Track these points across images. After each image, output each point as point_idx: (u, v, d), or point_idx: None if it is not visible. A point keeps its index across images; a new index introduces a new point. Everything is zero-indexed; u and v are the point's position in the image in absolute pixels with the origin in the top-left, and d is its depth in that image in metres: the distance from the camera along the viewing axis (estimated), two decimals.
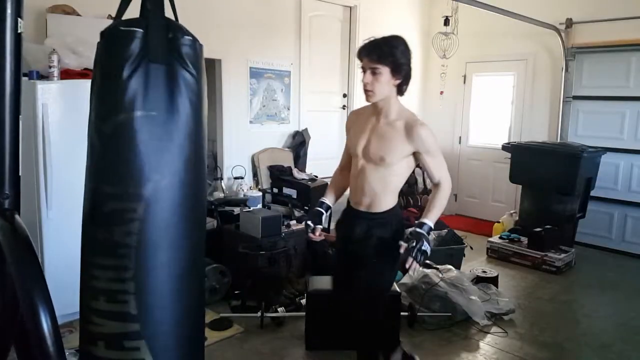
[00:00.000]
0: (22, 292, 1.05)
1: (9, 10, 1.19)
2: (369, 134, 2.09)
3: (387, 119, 2.05)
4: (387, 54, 1.92)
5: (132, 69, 1.27)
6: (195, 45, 1.40)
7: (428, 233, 2.02)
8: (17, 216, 1.24)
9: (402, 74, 1.96)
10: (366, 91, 2.00)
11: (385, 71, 1.93)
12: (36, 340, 1.01)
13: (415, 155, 2.05)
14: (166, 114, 1.33)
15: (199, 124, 1.43)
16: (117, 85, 1.26)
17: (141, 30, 1.28)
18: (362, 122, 2.14)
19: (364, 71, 1.98)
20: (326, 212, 2.31)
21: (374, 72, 1.94)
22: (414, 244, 1.99)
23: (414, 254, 1.97)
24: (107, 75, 1.28)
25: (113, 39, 1.28)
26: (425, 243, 1.99)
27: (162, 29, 1.29)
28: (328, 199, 2.32)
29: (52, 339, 1.00)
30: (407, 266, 1.97)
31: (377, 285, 2.19)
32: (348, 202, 2.27)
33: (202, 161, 1.45)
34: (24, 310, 1.06)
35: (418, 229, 2.01)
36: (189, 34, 1.39)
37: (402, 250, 2.00)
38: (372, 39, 1.98)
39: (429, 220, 2.04)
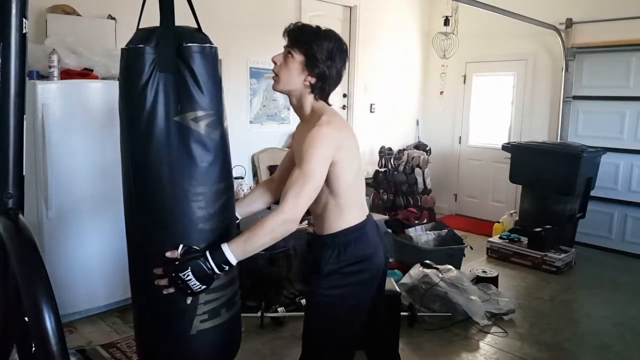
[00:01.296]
0: (26, 291, 1.05)
1: (14, 11, 1.19)
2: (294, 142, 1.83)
3: (303, 124, 1.76)
4: (304, 41, 1.63)
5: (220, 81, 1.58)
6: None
7: (220, 264, 1.42)
8: (20, 216, 1.24)
9: (316, 72, 1.63)
10: (274, 75, 1.73)
11: (297, 58, 1.64)
12: (40, 339, 1.01)
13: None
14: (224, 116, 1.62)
15: None
16: (220, 96, 1.55)
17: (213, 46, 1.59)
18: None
19: (286, 48, 1.70)
20: None
21: (286, 55, 1.67)
22: (180, 264, 1.41)
23: (171, 272, 1.40)
24: (216, 88, 1.53)
25: (214, 56, 1.56)
26: (189, 273, 1.39)
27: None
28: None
29: (56, 338, 1.00)
30: (158, 282, 1.43)
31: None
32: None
33: None
34: (28, 310, 1.06)
35: (208, 251, 1.44)
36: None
37: (167, 254, 1.43)
38: (303, 24, 1.71)
39: (230, 248, 1.44)
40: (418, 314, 3.30)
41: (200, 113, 1.47)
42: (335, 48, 1.66)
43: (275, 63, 1.71)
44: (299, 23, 1.71)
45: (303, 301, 3.33)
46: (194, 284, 1.41)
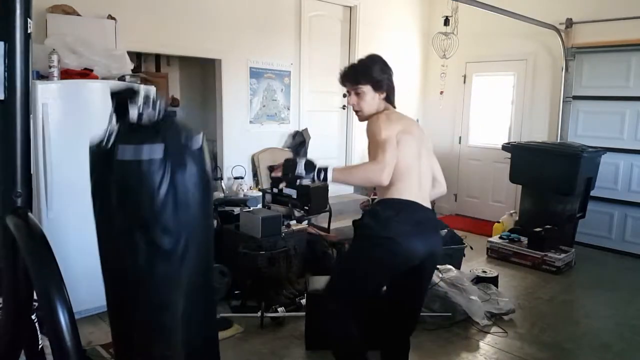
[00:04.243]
0: (39, 288, 1.05)
1: (18, 11, 1.19)
2: None
3: None
4: (364, 75, 2.08)
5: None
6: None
7: (319, 172, 1.91)
8: (30, 214, 1.24)
9: (384, 88, 2.10)
10: (355, 112, 2.15)
11: (367, 89, 2.08)
12: (54, 335, 1.02)
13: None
14: None
15: None
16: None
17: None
18: None
19: (349, 94, 2.15)
20: None
21: (357, 93, 2.10)
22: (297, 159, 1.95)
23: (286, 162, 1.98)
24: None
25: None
26: (301, 164, 1.93)
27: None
28: None
29: (70, 334, 1.01)
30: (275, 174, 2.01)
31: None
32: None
33: None
34: (42, 306, 1.06)
35: (316, 163, 1.95)
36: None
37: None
38: (353, 62, 2.19)
39: (333, 168, 1.94)
40: None
41: None
42: (381, 64, 2.12)
43: (353, 105, 2.14)
44: (347, 66, 2.18)
45: (303, 301, 3.33)
46: (301, 172, 1.89)
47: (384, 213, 2.00)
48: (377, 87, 2.08)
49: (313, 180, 1.91)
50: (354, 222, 2.21)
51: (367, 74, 2.08)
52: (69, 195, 3.07)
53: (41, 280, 1.07)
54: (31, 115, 2.93)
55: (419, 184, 2.07)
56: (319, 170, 1.90)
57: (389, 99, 2.14)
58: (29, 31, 1.24)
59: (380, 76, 2.09)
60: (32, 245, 1.14)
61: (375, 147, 1.94)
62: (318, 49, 5.37)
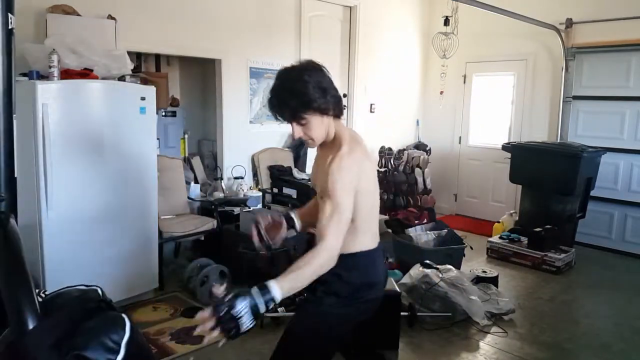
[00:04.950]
0: (9, 298, 1.03)
1: None
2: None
3: (324, 150, 1.76)
4: (304, 106, 1.60)
5: None
6: None
7: (267, 302, 1.39)
8: (12, 220, 1.21)
9: (330, 107, 1.65)
10: (308, 141, 1.71)
11: (311, 118, 1.63)
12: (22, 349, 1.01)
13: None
14: None
15: None
16: None
17: None
18: None
19: (291, 125, 1.68)
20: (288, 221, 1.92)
21: (300, 124, 1.65)
22: (231, 301, 1.34)
23: (221, 314, 1.32)
24: None
25: None
26: (243, 308, 1.34)
27: None
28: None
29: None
30: (203, 328, 1.34)
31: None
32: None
33: None
34: (10, 315, 1.04)
35: (254, 288, 1.41)
36: None
37: (215, 291, 1.39)
38: (275, 88, 1.69)
39: (278, 285, 1.43)
40: (418, 314, 3.30)
41: None
42: (316, 77, 1.63)
43: (301, 136, 1.69)
44: (274, 94, 1.69)
45: None
46: (248, 319, 1.34)
47: (353, 278, 1.69)
48: (322, 111, 1.63)
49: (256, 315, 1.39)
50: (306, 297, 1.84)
51: (306, 104, 1.59)
52: (69, 195, 3.07)
53: (10, 290, 1.05)
54: (29, 116, 2.92)
55: (376, 218, 1.81)
56: (267, 300, 1.41)
57: (340, 113, 1.74)
58: (10, 27, 1.20)
59: (323, 97, 1.61)
60: (4, 253, 1.12)
61: (325, 205, 1.56)
62: (318, 49, 5.36)
